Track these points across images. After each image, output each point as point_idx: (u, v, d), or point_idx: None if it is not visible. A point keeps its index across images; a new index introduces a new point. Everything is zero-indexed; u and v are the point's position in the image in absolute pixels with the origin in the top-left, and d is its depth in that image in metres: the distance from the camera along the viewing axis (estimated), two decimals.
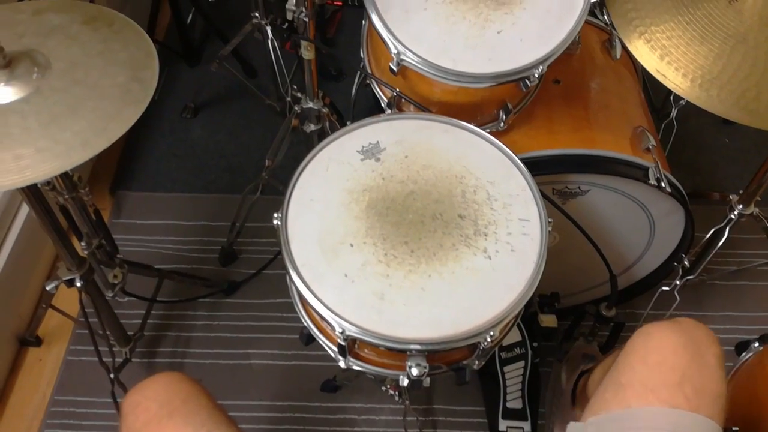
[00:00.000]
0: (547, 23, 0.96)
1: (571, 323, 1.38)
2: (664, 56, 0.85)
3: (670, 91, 0.89)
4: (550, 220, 0.88)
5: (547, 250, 0.86)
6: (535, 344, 1.34)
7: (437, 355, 0.81)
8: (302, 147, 1.45)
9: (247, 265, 1.58)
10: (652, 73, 0.87)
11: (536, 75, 0.93)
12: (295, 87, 1.41)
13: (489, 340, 0.80)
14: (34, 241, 1.45)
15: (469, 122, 0.99)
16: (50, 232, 0.99)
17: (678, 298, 1.29)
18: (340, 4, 2.06)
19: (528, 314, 1.30)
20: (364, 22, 1.12)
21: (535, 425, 1.31)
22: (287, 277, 0.86)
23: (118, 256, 1.13)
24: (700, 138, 1.83)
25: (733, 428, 1.06)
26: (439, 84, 0.95)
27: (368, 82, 1.14)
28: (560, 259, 1.27)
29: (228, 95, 1.93)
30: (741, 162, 1.77)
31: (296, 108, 1.39)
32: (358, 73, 1.19)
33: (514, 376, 1.36)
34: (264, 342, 1.46)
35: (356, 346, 0.86)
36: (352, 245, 0.85)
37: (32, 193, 0.89)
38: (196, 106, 1.89)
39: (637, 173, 1.08)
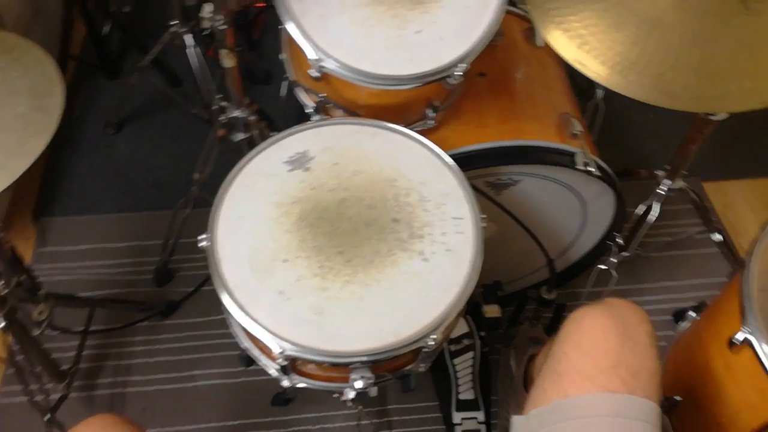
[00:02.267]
0: (465, 20, 0.96)
1: (515, 309, 1.40)
2: (583, 45, 0.85)
3: None
4: (483, 216, 0.88)
5: (482, 246, 0.86)
6: (482, 333, 1.35)
7: (381, 364, 0.80)
8: (233, 156, 1.40)
9: (185, 283, 1.53)
10: (572, 63, 0.87)
11: (458, 73, 0.92)
12: (220, 95, 1.37)
13: (432, 343, 0.79)
14: None
15: (398, 123, 0.98)
16: None
17: (615, 275, 1.32)
18: (263, 5, 2.01)
19: (472, 305, 1.30)
20: (281, 27, 1.08)
21: (488, 414, 1.32)
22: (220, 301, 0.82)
23: (40, 291, 1.07)
24: (627, 115, 1.88)
25: (676, 398, 1.10)
26: (360, 87, 0.94)
27: (291, 86, 1.11)
28: (500, 249, 1.28)
29: (152, 107, 1.86)
30: (667, 135, 1.83)
31: (222, 117, 1.34)
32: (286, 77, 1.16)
33: (464, 367, 1.36)
34: (209, 361, 1.41)
35: (298, 363, 0.84)
36: (285, 261, 0.83)
37: None
38: (119, 121, 1.80)
39: (565, 160, 1.09)
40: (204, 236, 0.84)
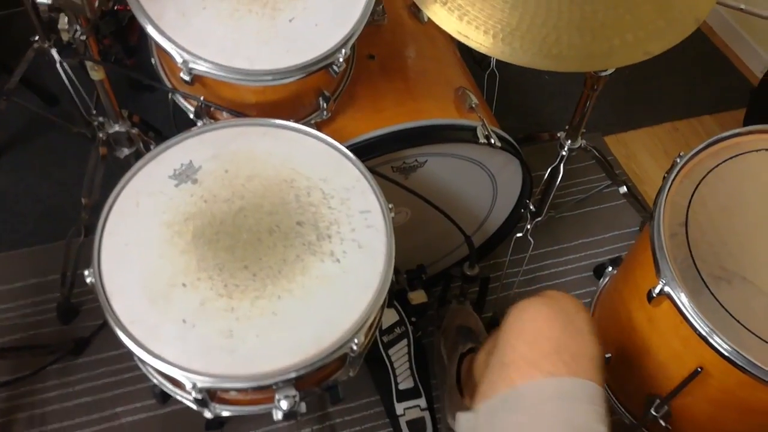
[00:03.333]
0: (340, 2, 0.90)
1: (442, 289, 1.38)
2: (463, 16, 0.82)
3: None
4: (390, 205, 0.84)
5: (393, 236, 0.82)
6: (413, 319, 1.32)
7: (305, 378, 0.75)
8: (123, 174, 1.31)
9: (92, 316, 1.42)
10: (455, 35, 0.84)
11: (341, 59, 0.87)
12: (95, 111, 1.26)
13: (356, 348, 0.75)
14: None
15: (292, 117, 0.93)
16: None
17: (532, 241, 1.33)
18: (125, 8, 1.87)
19: (399, 293, 1.27)
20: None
21: (430, 399, 1.30)
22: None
23: None
24: (523, 80, 1.90)
25: (606, 355, 1.12)
26: (239, 86, 0.87)
27: (169, 93, 1.03)
28: (417, 232, 1.25)
29: (30, 131, 1.71)
30: (564, 95, 1.86)
31: (101, 135, 1.24)
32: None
33: (400, 356, 1.34)
34: (131, 395, 1.32)
35: (217, 392, 0.78)
36: (184, 285, 0.76)
37: None
38: None
39: (466, 135, 1.07)
40: (88, 272, 0.76)
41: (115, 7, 1.69)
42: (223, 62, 0.84)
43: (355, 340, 0.75)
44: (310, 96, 0.99)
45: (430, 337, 1.41)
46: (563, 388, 0.72)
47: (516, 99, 1.83)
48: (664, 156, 1.80)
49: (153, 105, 1.73)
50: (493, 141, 1.06)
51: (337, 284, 0.78)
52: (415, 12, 1.22)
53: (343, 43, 0.87)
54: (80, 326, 1.41)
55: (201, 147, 0.87)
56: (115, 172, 1.31)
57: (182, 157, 0.86)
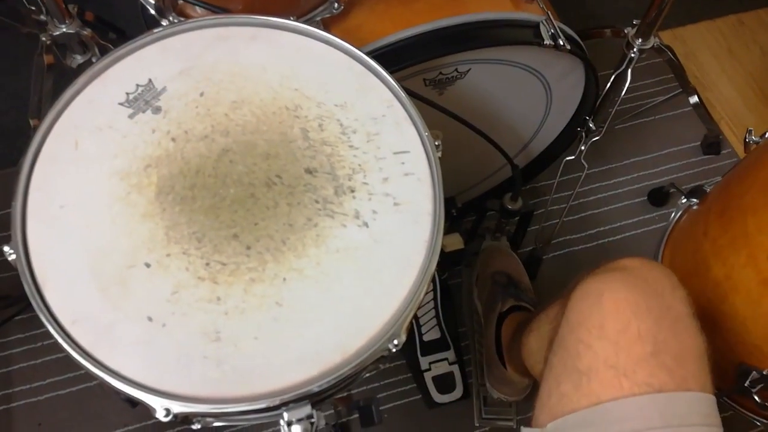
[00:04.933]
0: None
1: (474, 222, 1.16)
2: None
3: None
4: (437, 142, 0.59)
5: (442, 187, 0.58)
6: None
7: (325, 395, 0.54)
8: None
9: None
10: None
11: None
12: (35, 7, 0.97)
13: (394, 349, 0.53)
14: None
15: (288, 14, 0.66)
16: None
17: (586, 166, 1.08)
18: None
19: None
20: None
21: (458, 350, 1.12)
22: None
23: None
24: None
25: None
26: None
27: None
28: (447, 158, 1.01)
29: None
30: None
31: (44, 38, 0.96)
32: None
33: (423, 303, 1.14)
34: None
35: None
36: (148, 265, 0.53)
37: None
38: None
39: (527, 35, 0.80)
40: (8, 249, 0.53)
41: None
42: None
43: (395, 341, 0.53)
44: None
45: (458, 278, 1.20)
46: (671, 409, 0.51)
47: None
48: (727, 56, 1.52)
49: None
50: (561, 42, 0.79)
51: (366, 259, 0.55)
52: None
53: None
54: None
55: (164, 58, 0.61)
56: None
57: (138, 73, 0.60)
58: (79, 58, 1.00)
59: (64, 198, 0.55)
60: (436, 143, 0.59)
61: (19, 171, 0.55)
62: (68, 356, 0.52)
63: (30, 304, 1.10)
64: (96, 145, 0.57)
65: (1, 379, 1.11)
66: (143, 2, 0.73)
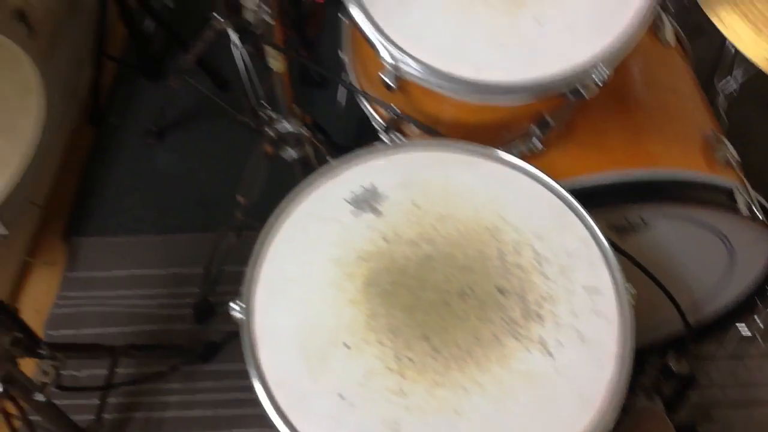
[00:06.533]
0: (605, 4, 0.69)
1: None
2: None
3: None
4: (632, 291, 0.61)
5: (634, 333, 0.60)
6: None
7: None
8: (286, 176, 1.19)
9: (227, 320, 1.30)
10: (760, 64, 0.60)
11: (598, 79, 0.66)
12: (267, 105, 1.15)
13: None
14: None
15: (492, 144, 0.73)
16: None
17: (763, 345, 1.02)
18: (321, 0, 1.78)
19: None
20: (342, 16, 0.84)
21: None
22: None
23: (42, 349, 0.86)
24: (748, 129, 1.56)
25: None
26: (452, 100, 0.69)
27: (354, 95, 0.87)
28: None
29: (197, 114, 1.66)
30: None
31: (269, 131, 1.12)
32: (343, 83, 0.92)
33: None
34: (249, 420, 1.19)
35: None
36: (347, 346, 0.59)
37: None
38: (161, 128, 1.61)
39: (719, 198, 0.81)
40: (237, 306, 0.61)
41: None
42: (442, 67, 0.66)
43: None
44: (525, 120, 0.79)
45: None
46: None
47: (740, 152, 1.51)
48: None
49: (321, 104, 1.62)
50: (755, 212, 0.79)
51: (547, 389, 0.57)
52: (658, 29, 0.98)
53: (605, 58, 0.66)
54: (213, 329, 1.31)
55: (389, 169, 0.70)
56: (276, 173, 1.21)
57: (364, 178, 0.69)
58: (292, 153, 1.15)
59: (289, 273, 0.63)
60: (632, 290, 0.61)
61: (257, 243, 0.65)
62: (224, 414, 0.57)
63: (193, 359, 1.21)
64: (322, 233, 0.66)
65: (153, 422, 1.21)
66: (370, 117, 0.85)
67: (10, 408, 0.92)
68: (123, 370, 1.18)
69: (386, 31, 0.67)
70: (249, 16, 0.91)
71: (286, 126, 1.10)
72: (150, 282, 1.38)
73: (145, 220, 1.48)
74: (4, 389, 0.83)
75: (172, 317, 1.33)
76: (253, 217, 1.27)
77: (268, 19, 0.88)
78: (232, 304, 0.62)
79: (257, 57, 1.42)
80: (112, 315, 1.33)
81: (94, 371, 1.17)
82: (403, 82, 0.69)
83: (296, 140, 1.13)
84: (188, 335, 1.29)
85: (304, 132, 1.10)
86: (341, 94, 1.47)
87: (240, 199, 1.21)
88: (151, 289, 1.37)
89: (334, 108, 1.48)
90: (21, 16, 1.35)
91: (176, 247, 1.44)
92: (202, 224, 1.46)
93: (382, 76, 0.68)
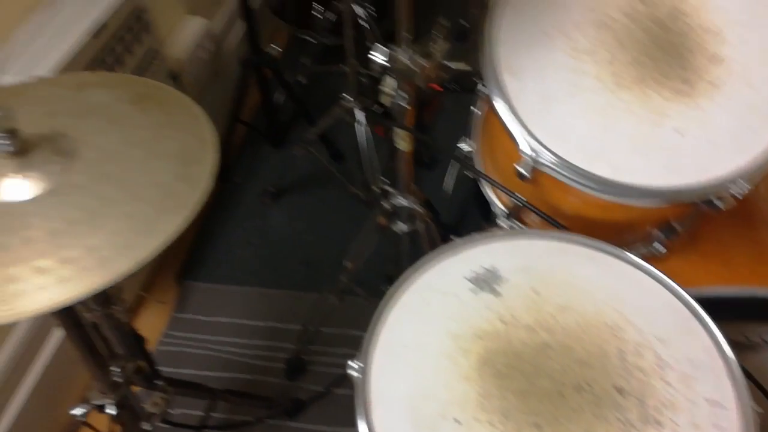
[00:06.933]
0: (749, 121, 0.70)
1: None
2: None
3: None
4: (759, 410, 0.59)
5: None
6: None
7: None
8: (391, 249, 1.23)
9: (316, 379, 1.35)
10: None
11: (735, 193, 0.66)
12: (386, 179, 1.21)
13: None
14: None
15: (612, 242, 0.74)
16: (79, 350, 0.80)
17: None
18: (441, 90, 1.89)
19: None
20: (475, 108, 0.89)
21: None
22: None
23: (159, 380, 0.92)
24: None
25: None
26: (584, 195, 0.71)
27: (478, 181, 0.91)
28: None
29: (311, 181, 1.77)
30: None
31: (385, 204, 1.18)
32: (453, 164, 0.96)
33: None
34: None
35: None
36: (458, 421, 0.60)
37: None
38: (277, 190, 1.73)
39: None
40: (355, 364, 0.64)
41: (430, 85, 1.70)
42: (579, 164, 0.69)
43: None
44: (650, 224, 0.79)
45: None
46: None
47: None
48: None
49: (426, 185, 1.68)
50: None
51: None
52: None
53: (745, 174, 0.66)
54: (302, 387, 1.34)
55: (510, 254, 0.72)
56: (384, 245, 1.26)
57: (486, 259, 0.71)
58: (403, 226, 1.20)
59: (406, 340, 0.66)
60: (758, 409, 0.59)
61: (379, 307, 0.68)
62: None
63: (279, 414, 1.23)
64: (440, 306, 0.68)
65: None
66: (490, 202, 0.88)
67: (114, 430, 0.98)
68: (214, 414, 1.23)
69: (528, 125, 0.71)
70: (385, 101, 0.98)
71: (402, 201, 1.15)
72: (249, 332, 1.44)
73: (252, 273, 1.56)
74: (117, 413, 0.89)
75: (264, 369, 1.37)
76: (355, 283, 1.32)
77: (403, 104, 0.95)
78: (350, 363, 0.65)
79: (374, 134, 1.53)
80: (211, 359, 1.39)
81: (185, 411, 1.23)
82: (536, 174, 0.72)
83: (409, 216, 1.17)
84: (277, 389, 1.33)
85: (419, 209, 1.15)
86: (448, 181, 1.54)
87: (347, 264, 1.26)
88: (249, 339, 1.43)
89: (440, 189, 1.54)
90: (174, 76, 1.53)
91: (277, 302, 1.50)
92: (303, 283, 1.53)
93: (517, 167, 0.71)
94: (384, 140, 1.55)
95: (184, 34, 1.58)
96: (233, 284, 1.54)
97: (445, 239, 1.18)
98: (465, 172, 0.92)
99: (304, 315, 1.39)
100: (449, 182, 1.49)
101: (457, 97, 1.92)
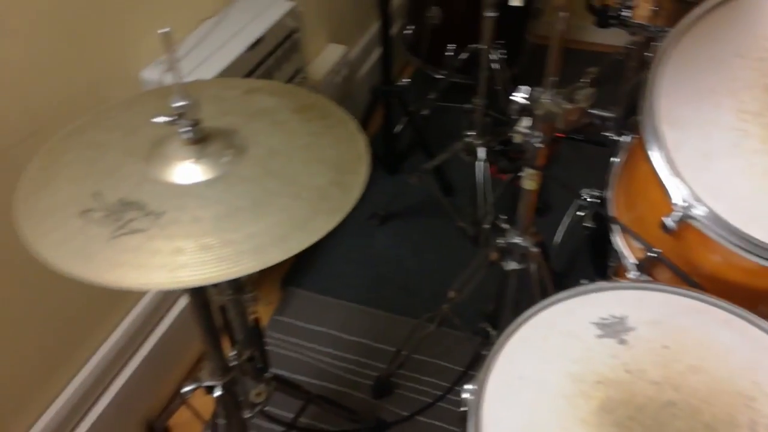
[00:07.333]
0: None
1: None
2: None
3: None
4: None
5: None
6: None
7: None
8: (495, 285, 1.23)
9: (402, 403, 1.35)
10: None
11: None
12: (504, 216, 1.21)
13: None
14: (186, 331, 1.36)
15: (748, 309, 0.70)
16: (201, 329, 0.85)
17: None
18: (563, 136, 1.88)
19: None
20: (615, 159, 0.89)
21: None
22: None
23: (267, 373, 0.96)
24: None
25: None
26: (730, 256, 0.68)
27: (608, 232, 0.89)
28: None
29: (419, 209, 1.81)
30: None
31: (500, 241, 1.18)
32: (568, 213, 0.95)
33: None
34: None
35: None
36: None
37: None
38: (386, 215, 1.77)
39: None
40: (470, 388, 0.64)
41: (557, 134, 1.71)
42: (733, 221, 0.66)
43: None
44: None
45: None
46: None
47: None
48: None
49: (538, 229, 1.67)
50: None
51: None
52: None
53: None
54: (387, 408, 1.35)
55: (640, 305, 0.70)
56: (489, 281, 1.26)
57: (615, 307, 0.70)
58: (514, 265, 1.19)
59: (522, 371, 0.65)
60: None
61: (503, 337, 0.68)
62: None
63: (363, 429, 1.24)
64: (562, 345, 0.67)
65: None
66: (618, 251, 0.86)
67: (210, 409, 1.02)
68: (302, 420, 1.26)
69: (684, 176, 0.69)
70: (517, 139, 0.99)
71: (518, 240, 1.14)
72: (342, 345, 1.48)
73: (351, 289, 1.60)
74: (222, 393, 0.93)
75: (353, 383, 1.39)
76: (455, 314, 1.32)
77: (537, 144, 0.95)
78: (466, 386, 0.65)
79: (495, 175, 1.55)
80: (302, 363, 1.43)
81: (273, 409, 1.26)
82: (682, 227, 0.70)
83: (522, 255, 1.16)
84: (361, 405, 1.34)
85: (533, 249, 1.14)
86: (558, 234, 1.53)
87: (451, 293, 1.27)
88: (342, 351, 1.46)
89: (547, 235, 1.52)
90: None
91: (373, 320, 1.53)
92: (400, 308, 1.54)
93: (664, 219, 0.70)
94: (494, 180, 1.57)
95: (325, 59, 1.68)
96: (331, 296, 1.59)
97: (556, 284, 1.16)
98: (598, 220, 0.91)
99: (397, 337, 1.40)
100: (557, 238, 1.50)
101: (577, 146, 1.91)
